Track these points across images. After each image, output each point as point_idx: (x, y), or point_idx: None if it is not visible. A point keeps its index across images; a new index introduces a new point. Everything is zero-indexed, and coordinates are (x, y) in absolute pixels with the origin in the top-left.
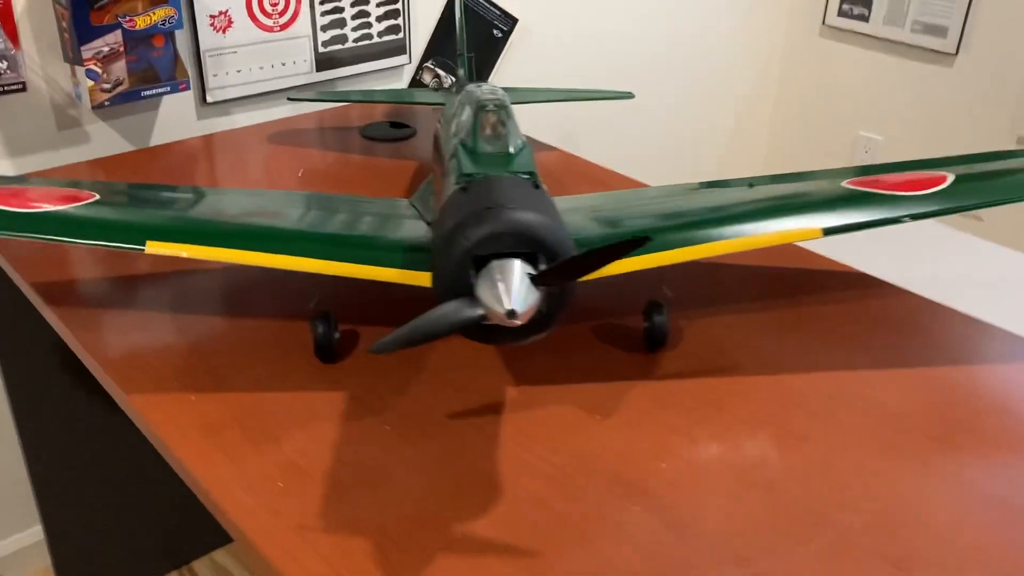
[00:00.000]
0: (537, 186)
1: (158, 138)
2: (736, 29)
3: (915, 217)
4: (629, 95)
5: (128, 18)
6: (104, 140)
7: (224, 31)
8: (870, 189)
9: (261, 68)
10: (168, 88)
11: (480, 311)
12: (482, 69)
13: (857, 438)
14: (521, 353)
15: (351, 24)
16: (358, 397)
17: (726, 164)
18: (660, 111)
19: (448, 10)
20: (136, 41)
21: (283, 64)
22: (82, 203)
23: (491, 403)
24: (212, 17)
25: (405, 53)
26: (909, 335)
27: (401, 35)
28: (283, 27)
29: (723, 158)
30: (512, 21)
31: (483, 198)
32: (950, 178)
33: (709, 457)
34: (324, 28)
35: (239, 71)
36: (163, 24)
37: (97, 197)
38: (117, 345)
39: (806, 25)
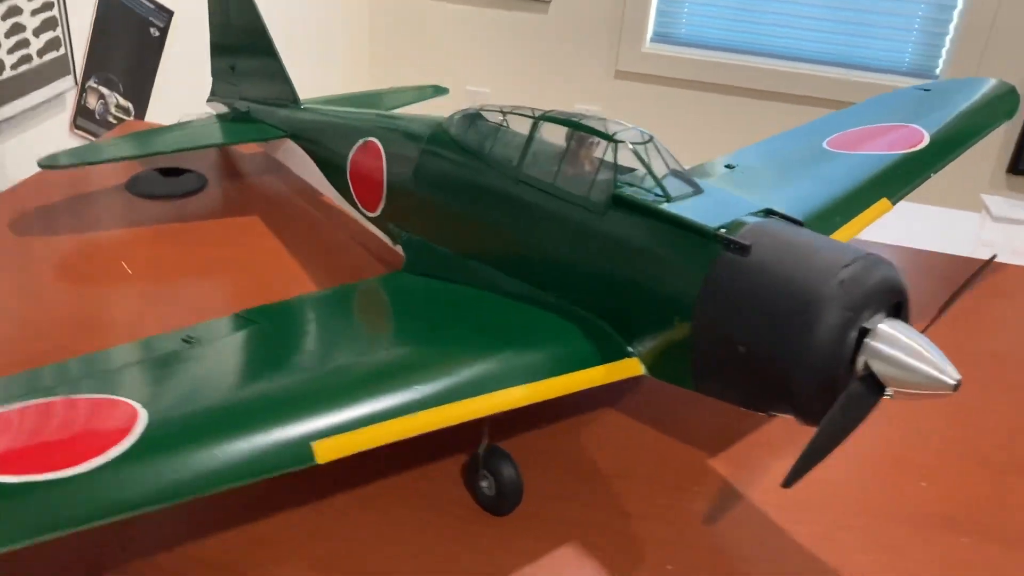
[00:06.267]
0: (800, 222)
1: None
2: (320, 5)
3: (937, 170)
4: (443, 91)
5: None
6: None
7: None
8: (867, 151)
9: None
10: None
11: (889, 393)
12: (140, 82)
13: None
14: None
15: (6, 44)
16: (591, 540)
17: None
18: None
19: (103, 10)
20: None
21: None
22: (138, 428)
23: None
24: None
25: (69, 73)
26: None
27: (63, 50)
28: None
29: None
30: (168, 15)
31: (811, 256)
32: (924, 131)
33: None
34: None
35: None
36: None
37: (143, 413)
38: None
39: None
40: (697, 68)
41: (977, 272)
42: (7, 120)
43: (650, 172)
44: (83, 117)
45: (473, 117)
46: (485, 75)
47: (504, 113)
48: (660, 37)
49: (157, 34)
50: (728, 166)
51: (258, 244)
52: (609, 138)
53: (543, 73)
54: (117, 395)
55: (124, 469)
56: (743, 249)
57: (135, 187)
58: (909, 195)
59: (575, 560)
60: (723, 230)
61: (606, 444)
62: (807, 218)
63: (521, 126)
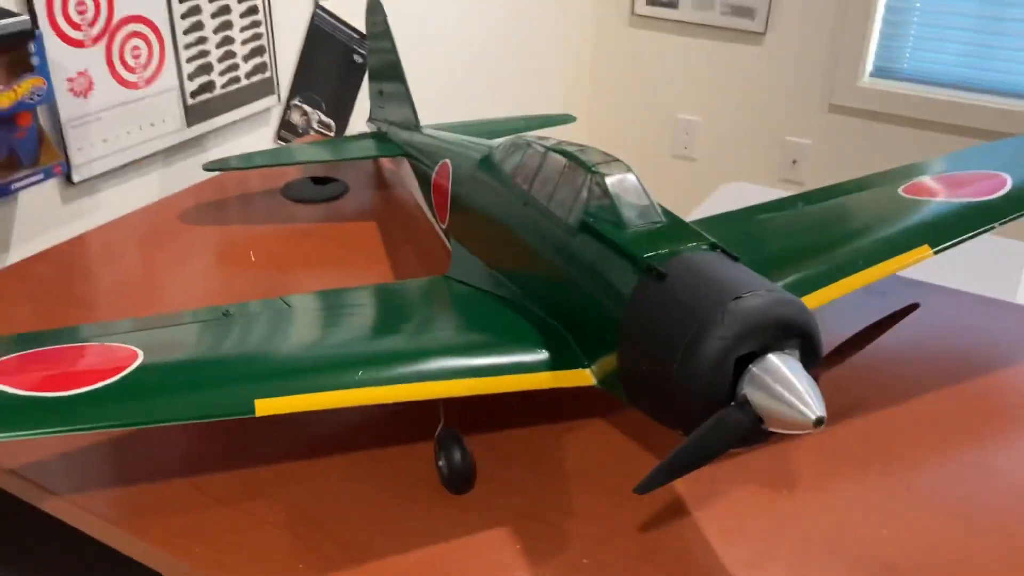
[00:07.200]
0: (737, 258)
1: (21, 240)
2: (547, 28)
3: (1005, 222)
4: (570, 118)
5: None
6: None
7: (85, 95)
8: (941, 198)
9: (128, 133)
10: (42, 175)
11: (764, 423)
12: (342, 102)
13: None
14: None
15: (218, 68)
16: (524, 528)
17: None
18: (490, 110)
19: (311, 39)
20: None
21: (151, 124)
22: (129, 369)
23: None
24: (70, 80)
25: (273, 93)
26: None
27: (268, 73)
28: (148, 81)
29: None
30: None
31: (711, 286)
32: (1009, 180)
33: None
34: (191, 76)
35: (105, 140)
36: (31, 98)
37: (140, 355)
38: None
39: (615, 16)
40: (920, 106)
41: (891, 319)
42: (216, 130)
43: (615, 202)
44: (286, 130)
45: (513, 145)
46: (696, 104)
47: (534, 142)
48: (880, 72)
49: (360, 61)
50: (792, 204)
51: (366, 245)
52: (589, 169)
53: (755, 104)
54: (134, 345)
55: (100, 396)
56: (661, 277)
57: (288, 191)
58: None
59: (498, 543)
60: (651, 259)
61: (583, 450)
62: (823, 260)
63: (541, 155)
